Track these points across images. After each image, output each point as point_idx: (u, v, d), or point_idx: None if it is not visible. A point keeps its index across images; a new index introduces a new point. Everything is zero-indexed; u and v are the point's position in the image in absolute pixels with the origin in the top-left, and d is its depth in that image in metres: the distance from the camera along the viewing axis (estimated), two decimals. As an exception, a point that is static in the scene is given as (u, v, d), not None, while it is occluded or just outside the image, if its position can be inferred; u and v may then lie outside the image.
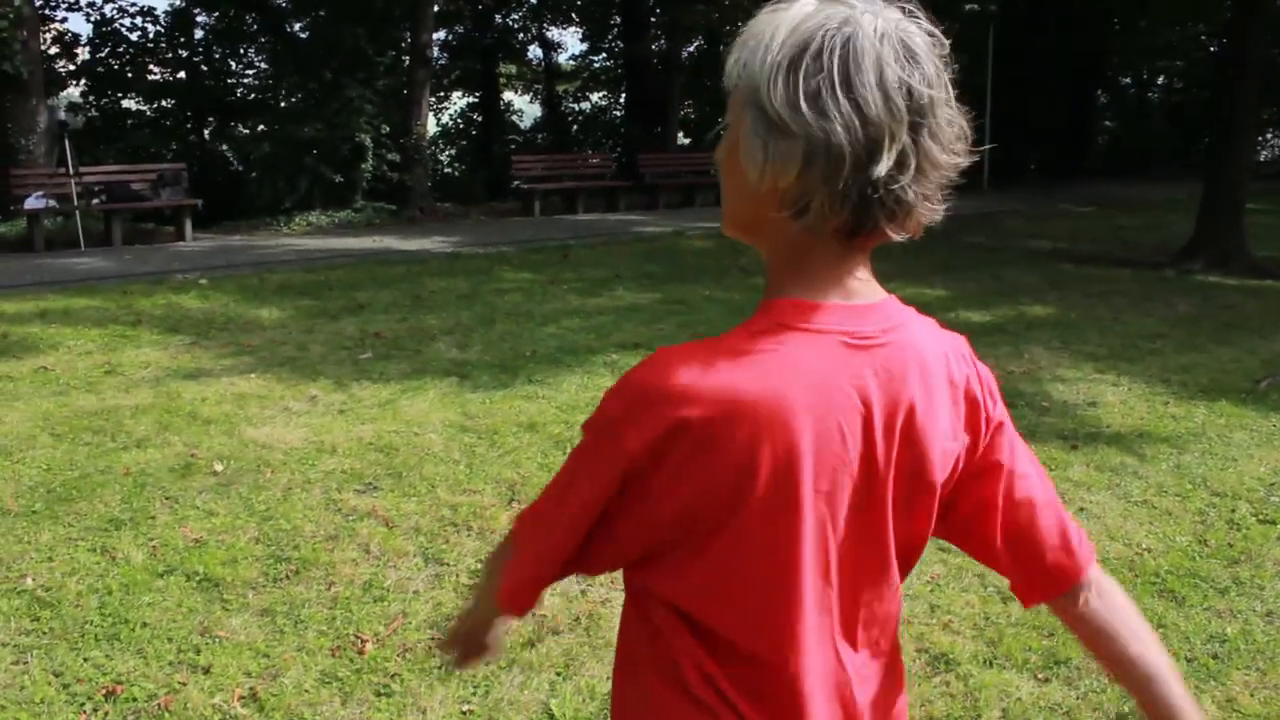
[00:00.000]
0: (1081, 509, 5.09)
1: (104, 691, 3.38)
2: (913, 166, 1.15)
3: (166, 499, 4.89)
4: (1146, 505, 5.16)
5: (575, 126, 28.60)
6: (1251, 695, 3.55)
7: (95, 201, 13.74)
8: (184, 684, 3.43)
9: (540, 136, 27.64)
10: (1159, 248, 13.81)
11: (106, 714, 3.28)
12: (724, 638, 1.27)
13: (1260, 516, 5.07)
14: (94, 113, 19.66)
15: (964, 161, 1.20)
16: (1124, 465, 5.71)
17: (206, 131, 20.73)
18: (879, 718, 1.37)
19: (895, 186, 1.14)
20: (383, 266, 11.71)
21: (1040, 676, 3.63)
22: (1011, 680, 3.60)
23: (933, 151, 1.16)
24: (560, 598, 4.01)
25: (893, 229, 1.19)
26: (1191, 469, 5.68)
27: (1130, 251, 13.98)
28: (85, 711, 3.29)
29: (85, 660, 3.56)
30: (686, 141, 25.81)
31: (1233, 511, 5.12)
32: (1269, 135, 33.40)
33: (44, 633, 3.73)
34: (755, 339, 1.20)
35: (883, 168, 1.13)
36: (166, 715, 3.27)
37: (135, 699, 3.35)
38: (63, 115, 15.24)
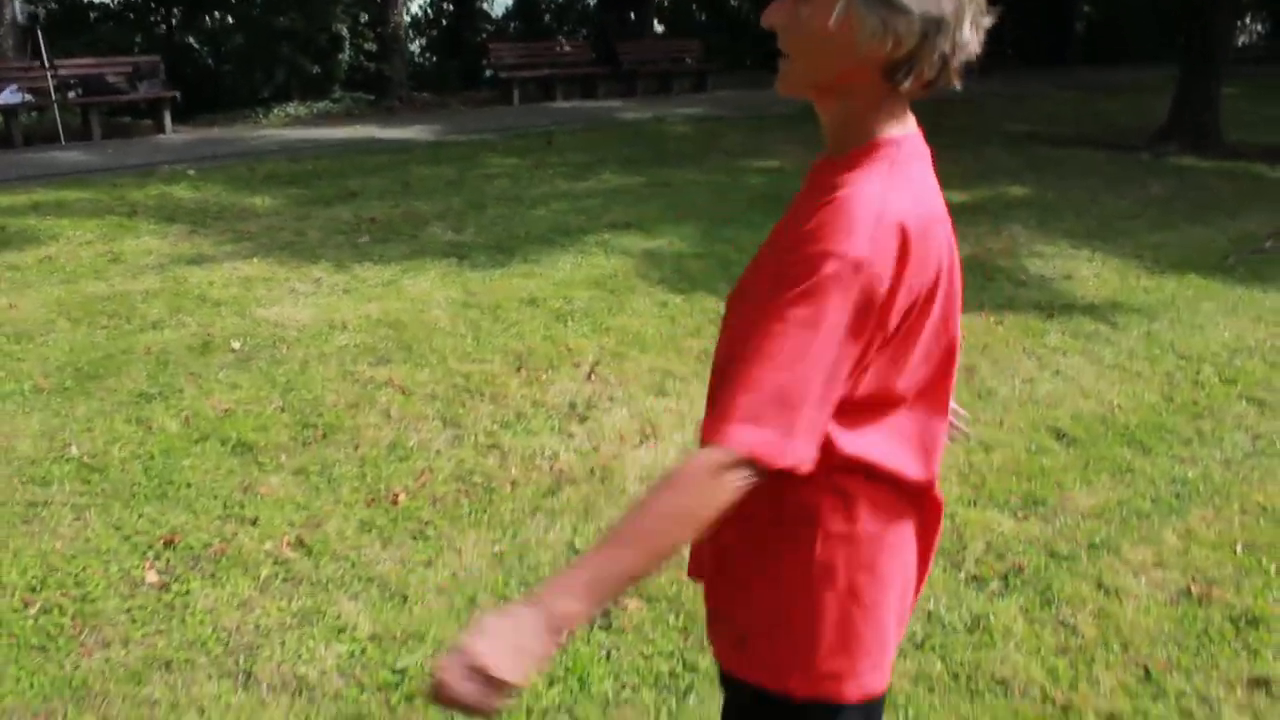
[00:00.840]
0: (1057, 371, 5.41)
1: (162, 541, 3.67)
2: (976, 29, 1.41)
3: (190, 374, 5.13)
4: (1118, 368, 5.48)
5: (547, 15, 28.23)
6: (1208, 528, 3.90)
7: (71, 95, 13.66)
8: (235, 534, 3.72)
9: (512, 25, 27.29)
10: (1136, 131, 14.01)
11: (168, 560, 3.57)
12: (905, 478, 1.52)
13: (1223, 377, 5.41)
14: (54, 5, 19.30)
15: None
16: (1097, 332, 6.02)
17: (174, 23, 20.42)
18: None
19: (969, 47, 1.41)
20: (368, 155, 11.80)
21: (1020, 515, 3.97)
22: (994, 518, 3.93)
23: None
24: (575, 454, 4.31)
25: (955, 80, 1.43)
26: (1160, 336, 6.00)
27: (1107, 134, 14.18)
28: (148, 559, 3.58)
29: (140, 516, 3.84)
30: (661, 30, 25.59)
31: (1198, 373, 5.45)
32: (1248, 20, 33.31)
33: (97, 494, 4.01)
34: (897, 169, 1.44)
35: (966, 32, 1.38)
36: (223, 559, 3.56)
37: (192, 547, 3.64)
38: (20, 13, 14.93)
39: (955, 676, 3.08)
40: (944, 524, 3.67)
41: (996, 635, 3.25)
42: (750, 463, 1.29)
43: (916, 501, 1.57)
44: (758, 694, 1.57)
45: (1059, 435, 4.63)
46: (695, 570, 1.81)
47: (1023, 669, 3.09)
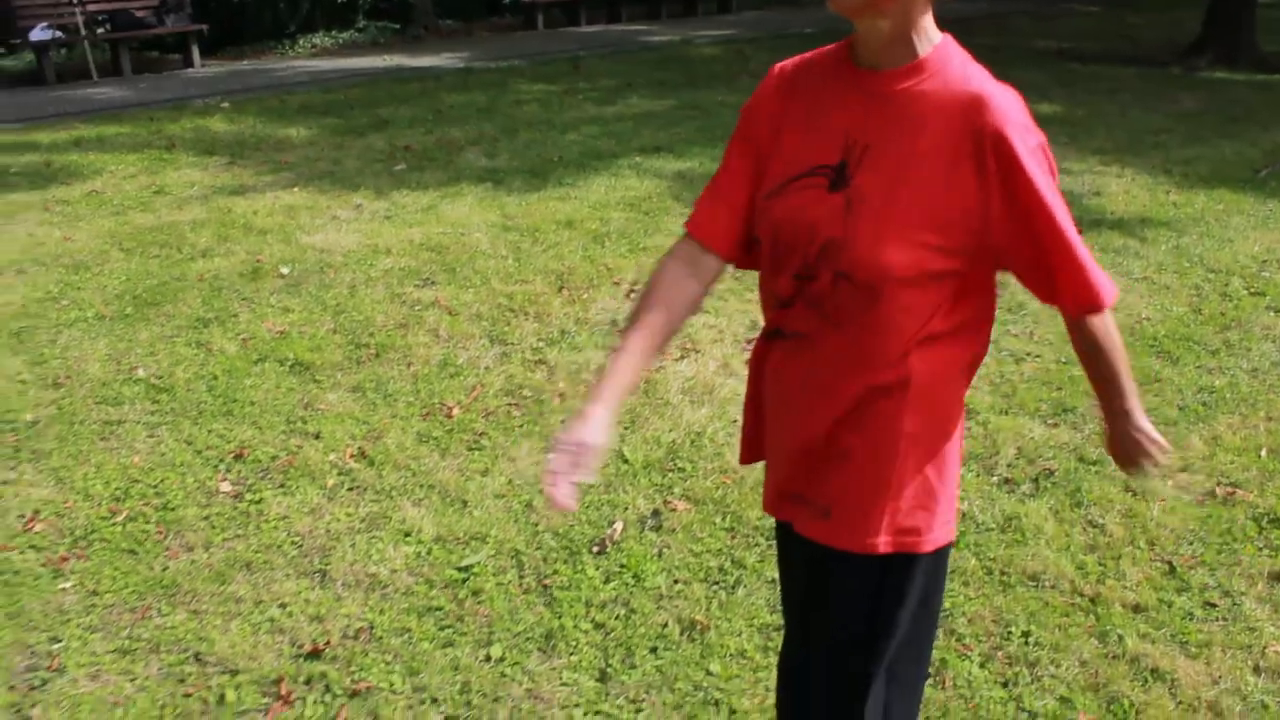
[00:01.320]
0: (1086, 285, 5.52)
1: (233, 454, 3.87)
2: None
3: (243, 300, 5.32)
4: (1146, 281, 5.59)
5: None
6: (1233, 434, 4.04)
7: (100, 30, 13.75)
8: (300, 447, 3.92)
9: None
10: (1166, 46, 13.88)
11: (239, 472, 3.78)
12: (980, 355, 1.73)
13: (1251, 289, 5.50)
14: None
15: None
16: (1126, 247, 6.11)
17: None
18: None
19: None
20: (398, 84, 11.87)
21: (1050, 422, 4.12)
22: (1025, 424, 4.08)
23: None
24: (619, 369, 4.48)
25: None
26: (1189, 249, 6.09)
27: (1137, 49, 14.06)
28: (220, 470, 3.79)
29: (209, 432, 4.05)
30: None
31: (1226, 285, 5.55)
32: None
33: (166, 412, 4.22)
34: (972, 63, 1.61)
35: None
36: (291, 470, 3.77)
37: (260, 459, 3.85)
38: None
39: (988, 571, 3.24)
40: (977, 430, 3.81)
41: (1027, 533, 3.41)
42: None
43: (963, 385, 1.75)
44: (842, 555, 1.74)
45: (1088, 346, 4.74)
46: (749, 457, 1.98)
47: (1053, 564, 3.26)
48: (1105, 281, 1.63)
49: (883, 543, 1.72)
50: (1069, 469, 3.76)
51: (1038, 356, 4.64)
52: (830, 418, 1.69)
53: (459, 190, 7.21)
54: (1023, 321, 5.02)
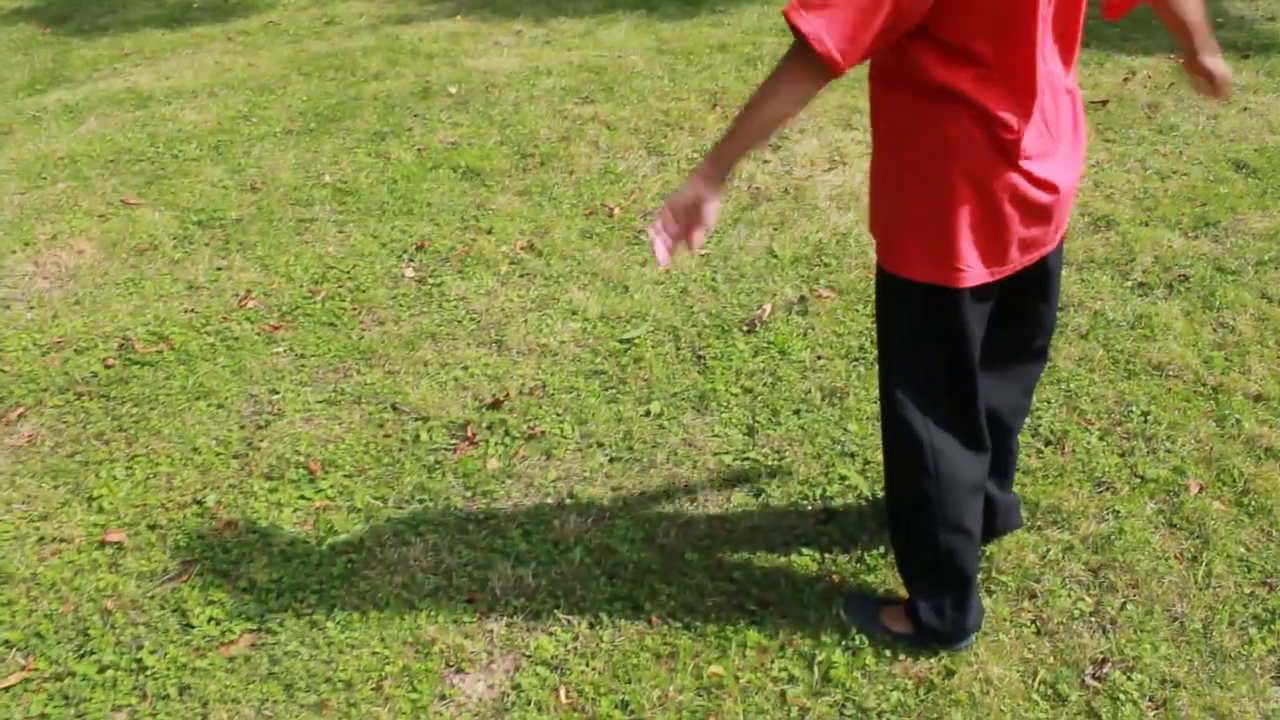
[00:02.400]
0: (1245, 109, 5.45)
1: (414, 246, 4.27)
2: None
3: (415, 116, 5.68)
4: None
5: None
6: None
7: None
8: (474, 240, 4.30)
9: None
10: None
11: (421, 260, 4.18)
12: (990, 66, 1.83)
13: None
14: None
15: None
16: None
17: None
18: (1074, 130, 2.02)
19: None
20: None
21: (1191, 234, 4.20)
22: (1164, 235, 4.18)
23: None
24: (770, 176, 4.71)
25: None
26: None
27: None
28: (404, 259, 4.20)
29: (391, 227, 4.45)
30: None
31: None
32: None
33: (352, 211, 4.63)
34: None
35: None
36: (468, 259, 4.15)
37: (439, 250, 4.24)
38: None
39: (1115, 361, 3.43)
40: (1114, 239, 3.93)
41: (1157, 330, 3.57)
42: None
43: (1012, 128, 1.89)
44: (896, 279, 2.03)
45: (1239, 166, 4.76)
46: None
47: (1179, 356, 3.42)
48: None
49: (885, 260, 2.02)
50: (1204, 276, 3.87)
51: (1184, 175, 4.69)
52: (875, 137, 2.00)
53: (614, 17, 7.39)
54: (1173, 142, 5.03)
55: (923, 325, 2.05)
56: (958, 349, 2.06)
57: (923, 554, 2.27)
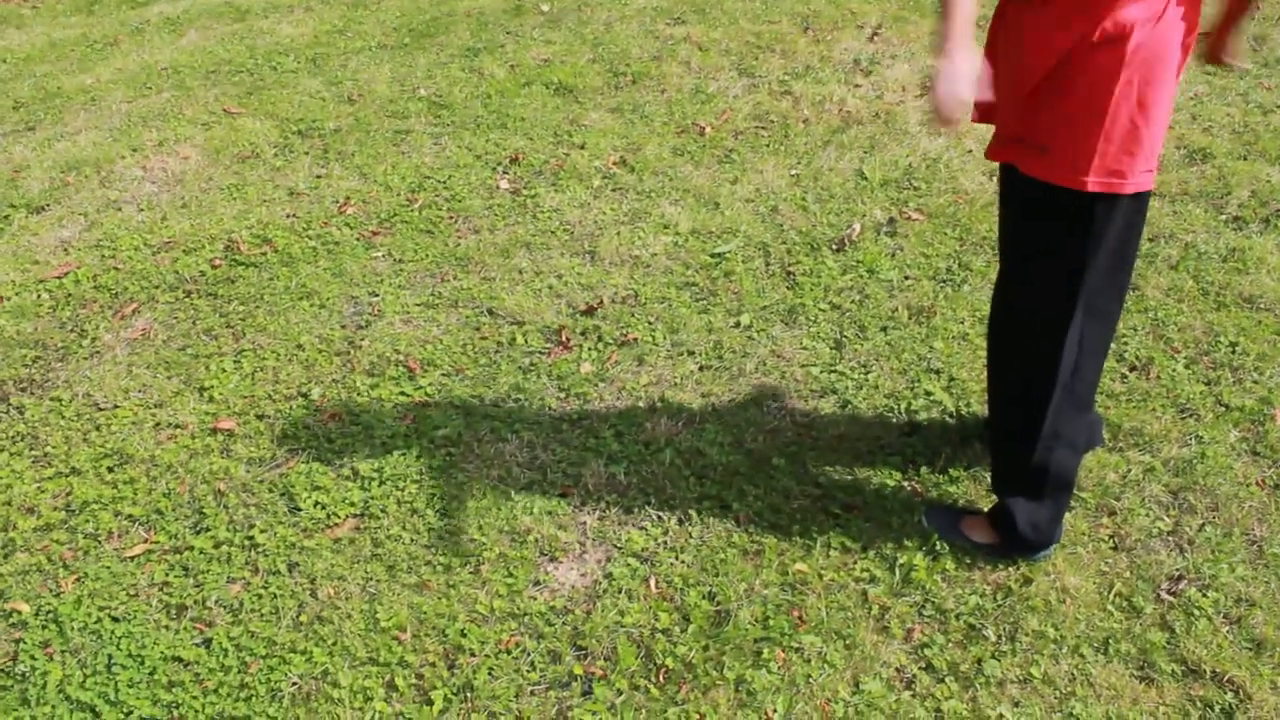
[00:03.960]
0: (1352, 42, 5.32)
1: (508, 159, 4.36)
2: None
3: (508, 33, 5.74)
4: None
5: None
6: None
7: None
8: (567, 154, 4.37)
9: None
10: None
11: (516, 173, 4.26)
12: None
13: None
14: None
15: None
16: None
17: None
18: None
19: None
20: None
21: (1289, 167, 4.15)
22: (1263, 170, 4.13)
23: None
24: (861, 100, 4.71)
25: None
26: None
27: None
28: (498, 172, 4.29)
29: (486, 140, 4.53)
30: None
31: None
32: None
33: (447, 124, 4.72)
34: None
35: None
36: (561, 173, 4.23)
37: (534, 164, 4.32)
38: None
39: (1205, 292, 3.42)
40: (1210, 173, 3.90)
41: (1249, 263, 3.54)
42: None
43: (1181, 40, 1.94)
44: (1054, 189, 2.04)
45: (1345, 101, 4.67)
46: (980, 117, 2.24)
47: (1271, 289, 3.40)
48: None
49: (1091, 182, 1.99)
50: (1304, 210, 3.82)
51: (1288, 108, 4.61)
52: (1052, 63, 1.95)
53: (707, -62, 7.33)
54: (1278, 75, 4.94)
55: (1114, 237, 2.07)
56: (1134, 255, 2.13)
57: (1033, 465, 2.32)
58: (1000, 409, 2.37)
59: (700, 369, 3.13)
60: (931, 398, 2.97)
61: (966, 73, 1.89)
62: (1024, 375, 2.26)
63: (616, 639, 2.33)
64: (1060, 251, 2.10)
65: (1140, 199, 2.03)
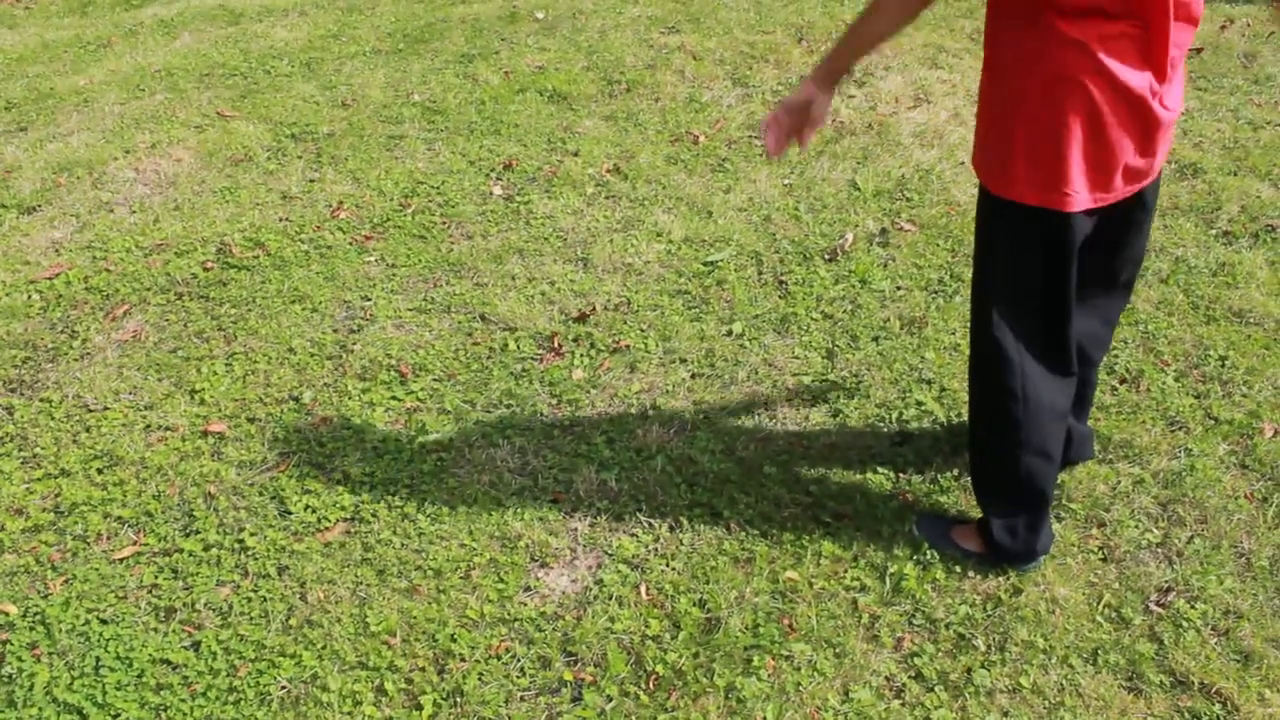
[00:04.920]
0: (1341, 60, 5.36)
1: (502, 165, 4.36)
2: None
3: (503, 39, 5.75)
4: None
5: None
6: None
7: None
8: (561, 161, 4.37)
9: None
10: None
11: (509, 179, 4.27)
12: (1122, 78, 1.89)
13: None
14: None
15: None
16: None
17: None
18: (1182, 61, 2.04)
19: None
20: None
21: None
22: (1253, 185, 4.15)
23: None
24: (854, 111, 4.73)
25: None
26: None
27: None
28: (491, 178, 4.29)
29: (480, 146, 4.54)
30: None
31: None
32: None
33: (441, 130, 4.72)
34: None
35: None
36: (555, 179, 4.23)
37: (527, 170, 4.32)
38: None
39: (1194, 306, 3.44)
40: (1200, 187, 3.91)
41: (1239, 278, 3.56)
42: None
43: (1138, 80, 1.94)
44: (1003, 202, 2.07)
45: (1334, 118, 4.70)
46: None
47: (1260, 305, 3.42)
48: None
49: (993, 184, 2.06)
50: (1293, 226, 3.85)
51: (1278, 125, 4.63)
52: (987, 67, 2.04)
53: (701, -52, 7.36)
54: (1268, 92, 4.97)
55: (1026, 249, 2.10)
56: (1058, 272, 2.11)
57: (1002, 475, 2.34)
58: (970, 418, 2.40)
59: (692, 376, 3.14)
60: (923, 408, 2.98)
61: (793, 106, 2.07)
62: (980, 382, 2.31)
63: (607, 645, 2.33)
64: (983, 250, 2.19)
65: (1057, 215, 2.02)
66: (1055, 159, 1.96)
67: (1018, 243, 2.10)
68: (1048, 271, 2.11)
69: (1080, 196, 1.99)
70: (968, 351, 2.46)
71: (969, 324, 2.33)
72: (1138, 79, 1.89)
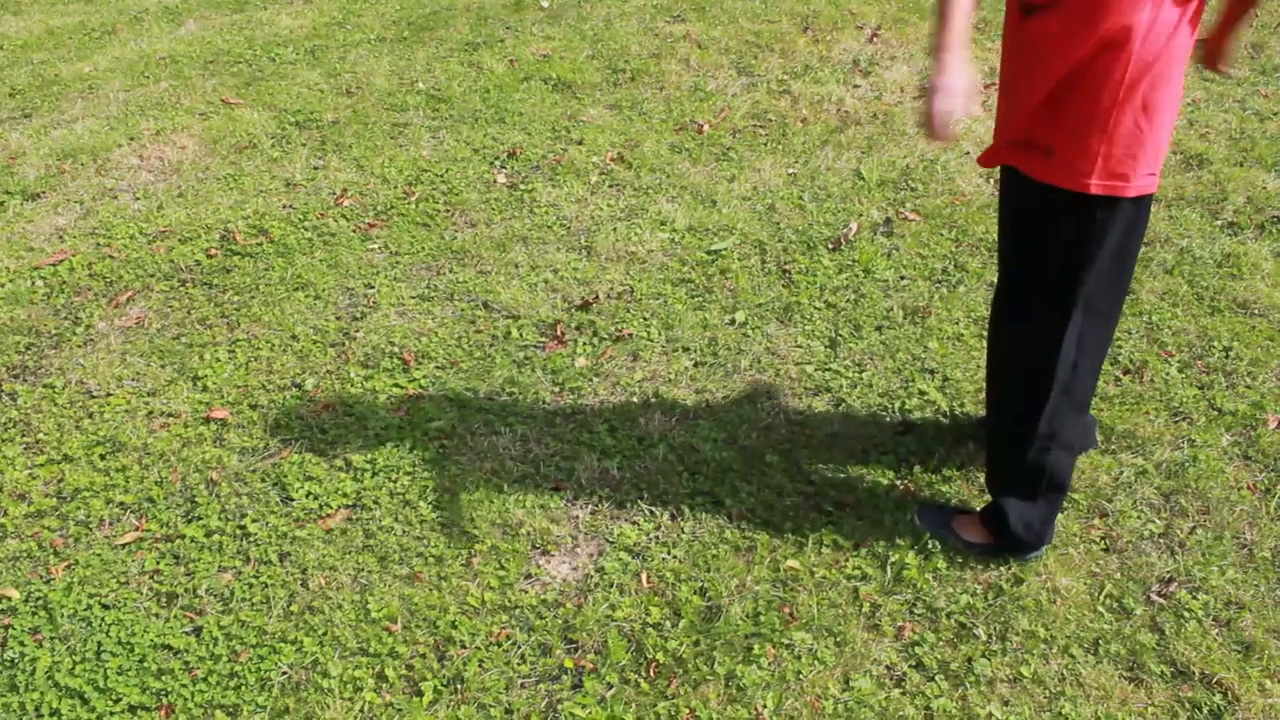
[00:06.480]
0: (1349, 51, 5.33)
1: (506, 153, 4.35)
2: None
3: (507, 28, 5.73)
4: None
5: None
6: None
7: None
8: (565, 150, 4.36)
9: None
10: None
11: (513, 167, 4.26)
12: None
13: None
14: None
15: None
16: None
17: None
18: None
19: None
20: None
21: (1285, 175, 4.15)
22: (1259, 176, 4.13)
23: None
24: (859, 101, 4.72)
25: None
26: None
27: None
28: (495, 166, 4.28)
29: (484, 134, 4.53)
30: None
31: None
32: None
33: (445, 118, 4.71)
34: None
35: None
36: (559, 168, 4.22)
37: (531, 158, 4.32)
38: None
39: (1199, 297, 3.43)
40: (1206, 178, 3.89)
41: (1244, 269, 3.55)
42: None
43: (1186, 44, 1.95)
44: (1057, 191, 2.04)
45: (1342, 109, 4.67)
46: (993, 160, 2.24)
47: (1265, 295, 3.41)
48: None
49: (1094, 184, 1.99)
50: (1299, 217, 3.83)
51: (1285, 115, 4.62)
52: (1062, 71, 1.95)
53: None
54: (1275, 82, 4.95)
55: (1115, 239, 2.07)
56: (1131, 258, 2.12)
57: (1028, 466, 2.32)
58: (998, 409, 2.37)
59: (695, 365, 3.13)
60: (925, 397, 2.97)
61: (961, 87, 1.91)
62: (1023, 376, 2.26)
63: (607, 633, 2.33)
64: (1061, 253, 2.10)
65: (1142, 202, 2.03)
66: (1150, 144, 1.95)
67: (1105, 238, 2.06)
68: (1126, 260, 2.11)
69: (1157, 179, 2.01)
70: (986, 347, 2.44)
71: (1002, 326, 2.29)
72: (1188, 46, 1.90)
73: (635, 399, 3.01)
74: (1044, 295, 2.17)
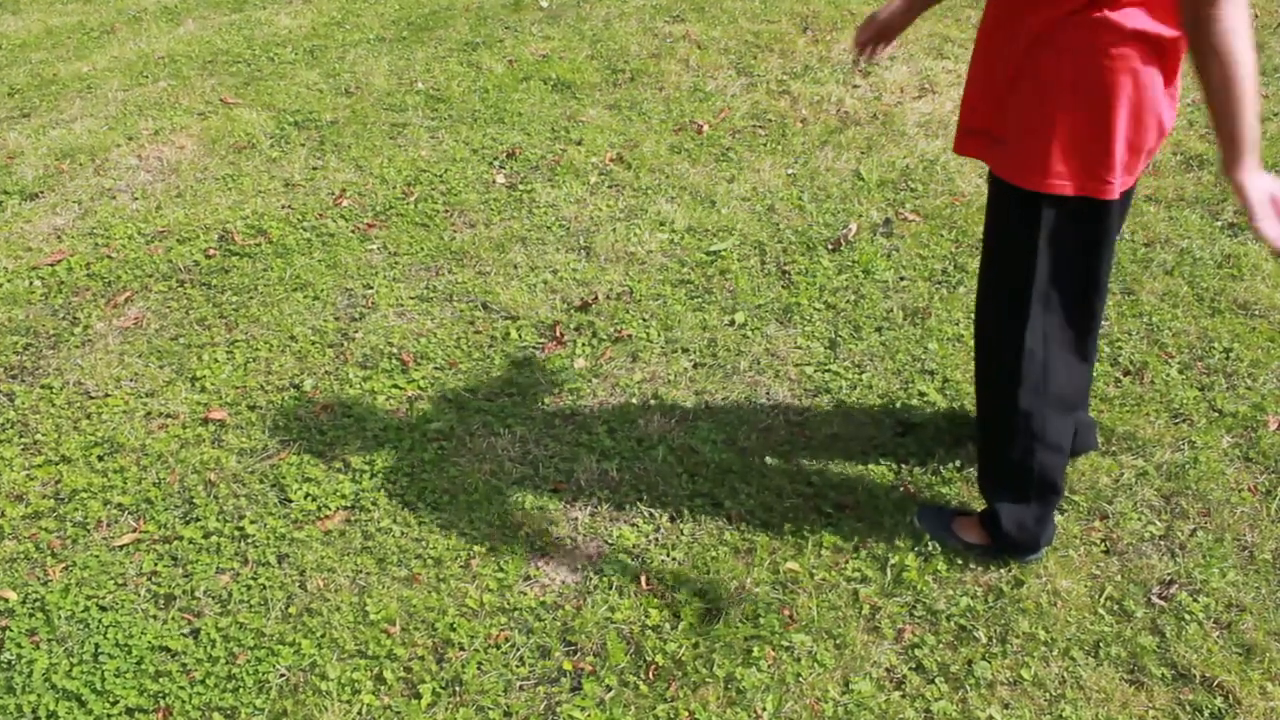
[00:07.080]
0: (1349, 51, 5.33)
1: (505, 153, 4.35)
2: None
3: (507, 28, 5.73)
4: None
5: None
6: None
7: None
8: (564, 150, 4.36)
9: None
10: None
11: (512, 167, 4.25)
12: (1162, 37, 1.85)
13: None
14: None
15: None
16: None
17: None
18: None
19: None
20: None
21: (1285, 175, 4.14)
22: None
23: None
24: (859, 101, 4.71)
25: None
26: None
27: None
28: (494, 166, 4.28)
29: (483, 135, 4.52)
30: None
31: None
32: None
33: (444, 118, 4.71)
34: None
35: None
36: (558, 168, 4.22)
37: (530, 159, 4.31)
38: None
39: (1199, 298, 3.42)
40: (1206, 180, 3.88)
41: (1244, 270, 3.55)
42: None
43: (1165, 52, 1.91)
44: (1011, 187, 2.03)
45: (1341, 109, 4.67)
46: (961, 148, 2.23)
47: (1265, 297, 3.40)
48: None
49: (1037, 181, 1.97)
50: (1300, 217, 3.82)
51: (1285, 116, 4.61)
52: (1014, 56, 1.93)
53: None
54: (1275, 83, 4.94)
55: (1062, 241, 2.05)
56: (1097, 260, 2.08)
57: (1014, 467, 2.32)
58: (981, 409, 2.37)
59: (694, 366, 3.13)
60: (925, 399, 2.96)
61: (1273, 192, 1.73)
62: (995, 374, 2.26)
63: (606, 635, 2.32)
64: (1013, 248, 2.10)
65: (1095, 203, 1.99)
66: (1099, 147, 1.92)
67: (1055, 236, 2.04)
68: (1088, 261, 2.08)
69: (1118, 183, 1.96)
70: (973, 345, 2.44)
71: (978, 319, 2.30)
72: (1166, 45, 1.85)
73: (634, 400, 3.01)
74: (1001, 290, 2.18)
